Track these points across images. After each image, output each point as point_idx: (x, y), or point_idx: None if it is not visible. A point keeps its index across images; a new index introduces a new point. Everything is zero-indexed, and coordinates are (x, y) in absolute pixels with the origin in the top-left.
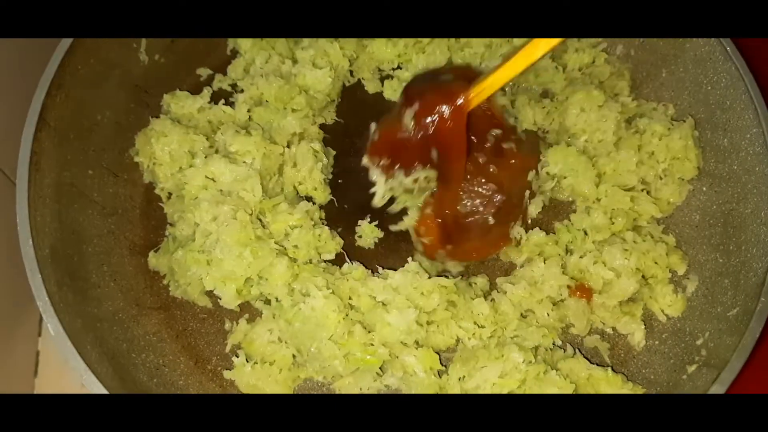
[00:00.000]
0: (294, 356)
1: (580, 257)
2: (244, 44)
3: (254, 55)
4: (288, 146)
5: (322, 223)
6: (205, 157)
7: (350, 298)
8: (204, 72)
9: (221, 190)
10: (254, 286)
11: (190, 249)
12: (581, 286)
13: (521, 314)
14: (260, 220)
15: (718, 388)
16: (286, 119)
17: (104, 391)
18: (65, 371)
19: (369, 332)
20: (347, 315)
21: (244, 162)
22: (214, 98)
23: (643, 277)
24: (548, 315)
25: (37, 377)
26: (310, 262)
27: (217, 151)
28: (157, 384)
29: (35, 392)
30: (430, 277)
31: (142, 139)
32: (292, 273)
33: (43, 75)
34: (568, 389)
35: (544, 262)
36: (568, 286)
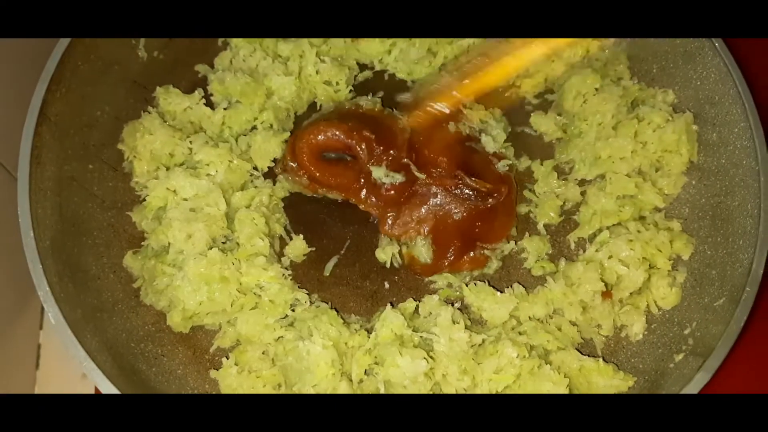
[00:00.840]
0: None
1: (596, 251)
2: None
3: (240, 48)
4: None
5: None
6: (167, 169)
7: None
8: (203, 68)
9: (191, 209)
10: (208, 315)
11: (162, 261)
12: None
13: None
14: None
15: (704, 376)
16: (260, 135)
17: (104, 379)
18: (66, 364)
19: (358, 384)
20: (341, 370)
21: (207, 175)
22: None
23: (650, 266)
24: (576, 318)
25: (38, 370)
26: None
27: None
28: (156, 373)
29: (37, 384)
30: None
31: (130, 130)
32: (264, 324)
33: (44, 70)
34: (562, 384)
35: (585, 265)
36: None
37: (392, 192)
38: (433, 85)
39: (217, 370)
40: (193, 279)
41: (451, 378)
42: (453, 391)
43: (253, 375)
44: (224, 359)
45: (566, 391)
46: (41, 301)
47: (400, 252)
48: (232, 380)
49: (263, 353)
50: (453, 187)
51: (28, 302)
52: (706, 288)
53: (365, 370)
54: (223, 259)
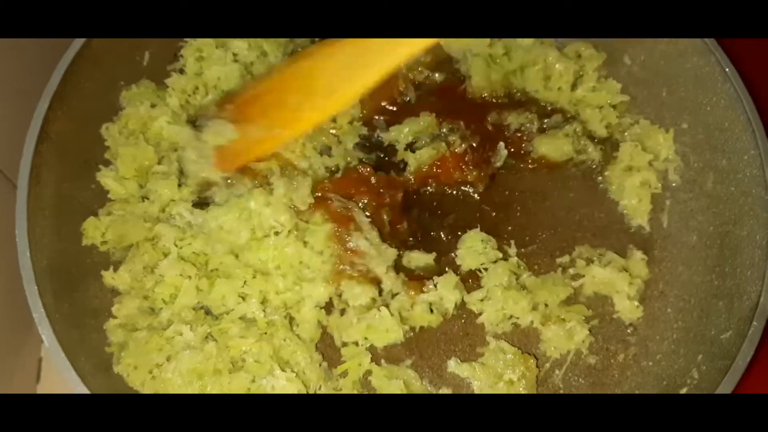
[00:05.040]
0: None
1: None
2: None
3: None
4: None
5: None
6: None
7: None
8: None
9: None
10: None
11: (159, 335)
12: None
13: None
14: None
15: None
16: None
17: None
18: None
19: None
20: None
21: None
22: None
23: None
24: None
25: (39, 383)
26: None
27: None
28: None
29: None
30: None
31: None
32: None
33: (46, 88)
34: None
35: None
36: None
37: None
38: None
39: None
40: (186, 374)
41: None
42: None
43: None
44: None
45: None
46: (36, 322)
47: None
48: None
49: None
50: None
51: (30, 316)
52: (713, 319)
53: None
54: (219, 351)
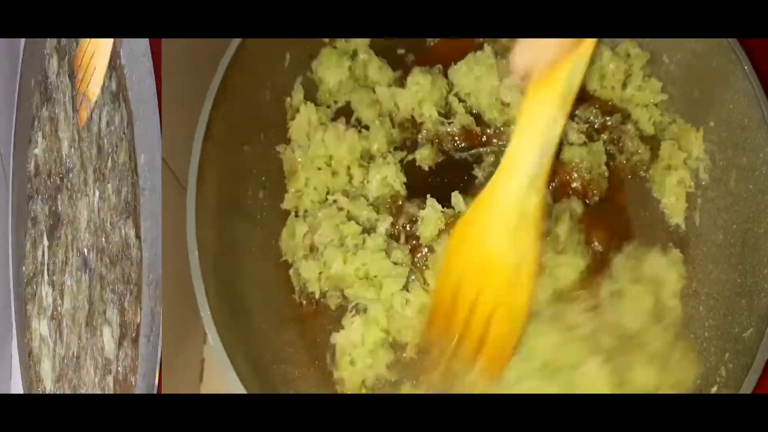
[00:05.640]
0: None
1: None
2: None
3: None
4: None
5: None
6: None
7: None
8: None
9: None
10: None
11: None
12: None
13: None
14: None
15: None
16: None
17: None
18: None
19: None
20: None
21: None
22: None
23: None
24: None
25: (202, 382)
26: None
27: None
28: None
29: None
30: None
31: None
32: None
33: (209, 90)
34: None
35: None
36: None
37: None
38: None
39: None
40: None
41: None
42: None
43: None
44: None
45: None
46: (203, 322)
47: None
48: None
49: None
50: None
51: (195, 317)
52: (737, 317)
53: None
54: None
